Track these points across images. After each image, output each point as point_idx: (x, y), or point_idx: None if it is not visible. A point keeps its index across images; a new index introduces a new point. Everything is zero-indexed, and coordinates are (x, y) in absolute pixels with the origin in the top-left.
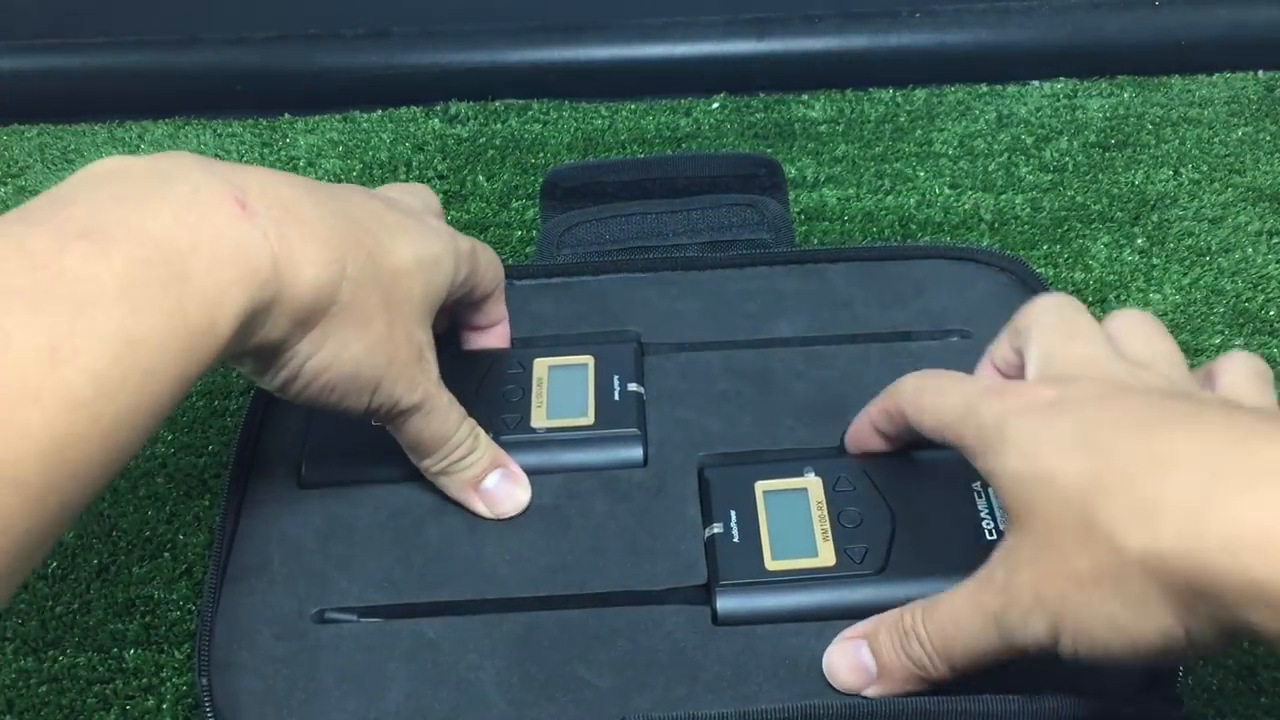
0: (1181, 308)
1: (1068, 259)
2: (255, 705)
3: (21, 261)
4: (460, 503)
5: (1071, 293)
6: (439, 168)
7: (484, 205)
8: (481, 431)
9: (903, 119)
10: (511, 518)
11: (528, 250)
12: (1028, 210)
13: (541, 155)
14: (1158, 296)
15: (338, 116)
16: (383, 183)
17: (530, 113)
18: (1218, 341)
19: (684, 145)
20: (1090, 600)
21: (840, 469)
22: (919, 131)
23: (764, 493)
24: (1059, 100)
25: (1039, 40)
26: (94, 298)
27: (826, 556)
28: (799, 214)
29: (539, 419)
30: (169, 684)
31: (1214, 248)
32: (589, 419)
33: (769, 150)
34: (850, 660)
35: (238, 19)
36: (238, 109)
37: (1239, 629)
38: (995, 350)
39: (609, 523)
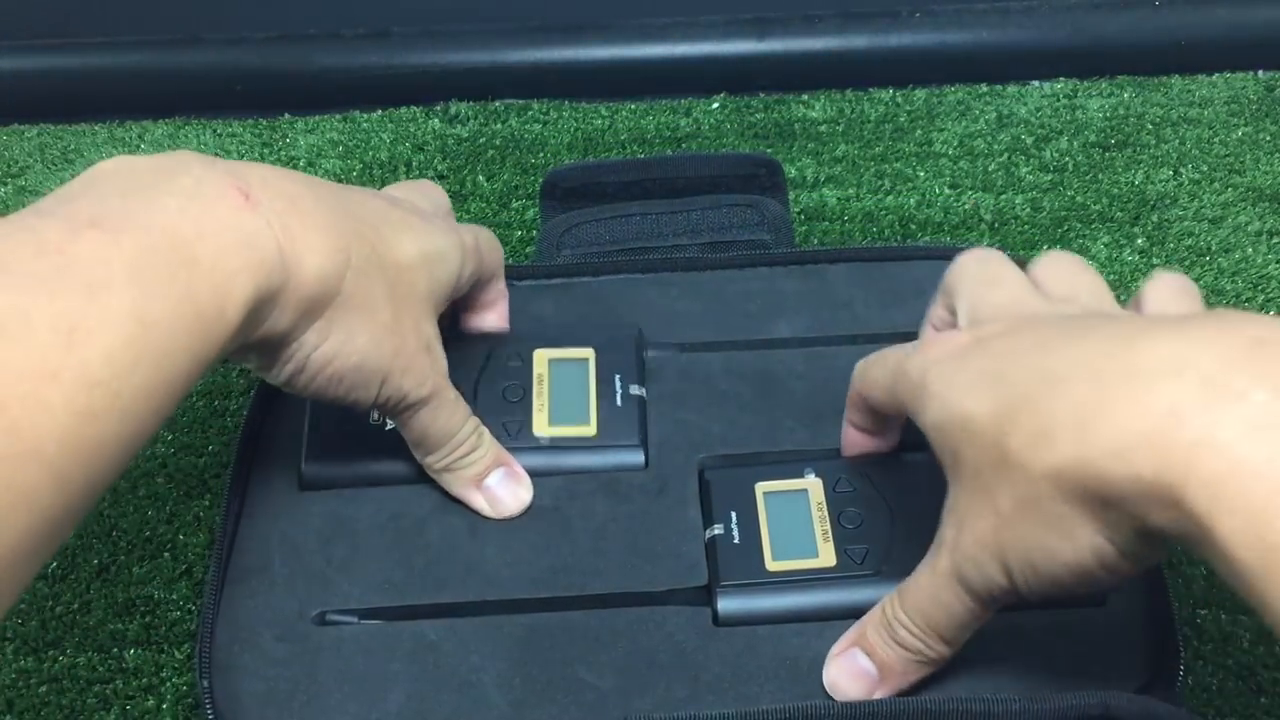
0: None
1: None
2: (256, 707)
3: (37, 249)
4: (462, 501)
5: None
6: (439, 168)
7: (484, 205)
8: (485, 429)
9: (903, 119)
10: (512, 519)
11: (528, 250)
12: (1028, 210)
13: (541, 155)
14: None
15: (338, 116)
16: (383, 183)
17: (530, 113)
18: None
19: (684, 145)
20: (1021, 532)
21: (840, 470)
22: (919, 131)
23: (764, 494)
24: (1059, 100)
25: (1039, 40)
26: (107, 281)
27: (827, 557)
28: (799, 214)
29: (541, 425)
30: (169, 684)
31: (1214, 248)
32: (592, 429)
33: (769, 150)
34: (849, 671)
35: (238, 19)
36: (238, 109)
37: (1154, 532)
38: (931, 312)
39: (610, 524)
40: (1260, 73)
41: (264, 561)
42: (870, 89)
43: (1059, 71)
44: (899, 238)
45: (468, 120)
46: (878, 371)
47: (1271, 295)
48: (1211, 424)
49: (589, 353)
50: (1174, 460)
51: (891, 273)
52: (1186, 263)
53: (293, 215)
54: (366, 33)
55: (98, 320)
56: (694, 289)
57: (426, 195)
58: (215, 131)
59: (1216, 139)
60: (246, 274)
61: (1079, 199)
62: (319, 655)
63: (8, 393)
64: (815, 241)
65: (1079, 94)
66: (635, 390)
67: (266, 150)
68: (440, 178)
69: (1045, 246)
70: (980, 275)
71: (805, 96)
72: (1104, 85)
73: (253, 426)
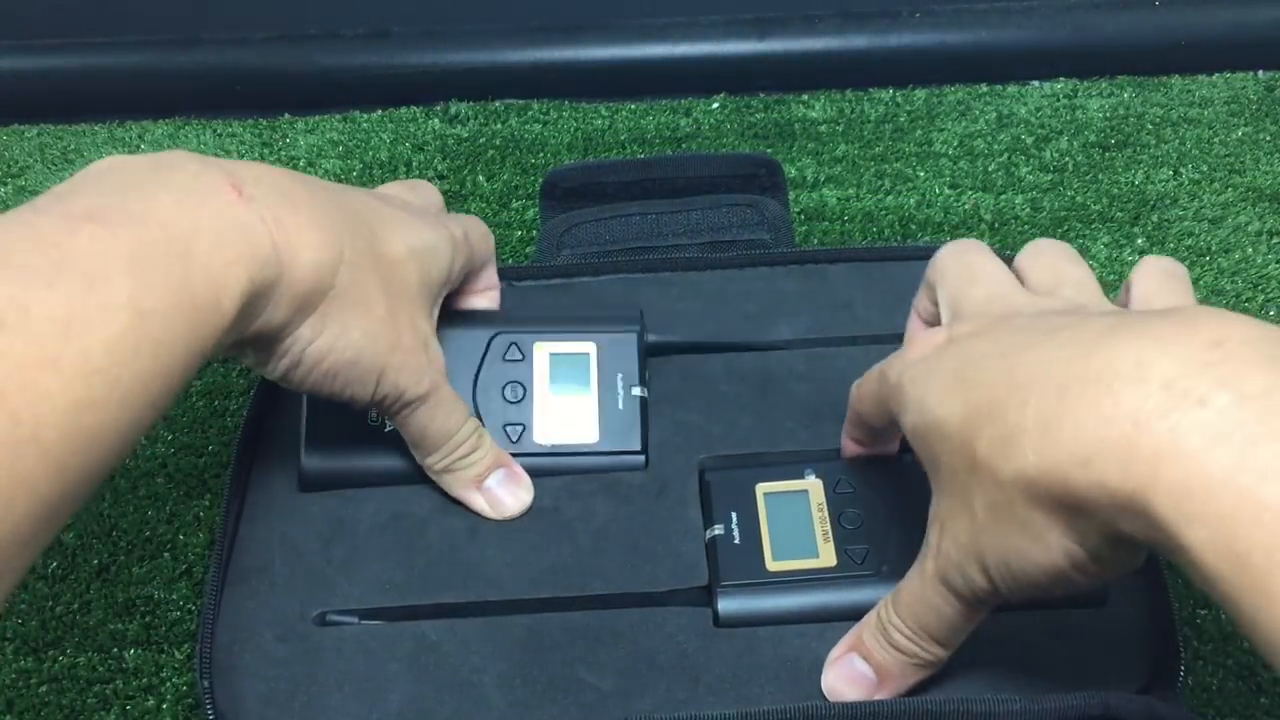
0: None
1: None
2: (257, 707)
3: (35, 242)
4: (462, 502)
5: None
6: (439, 168)
7: (484, 205)
8: (485, 430)
9: (903, 119)
10: (513, 520)
11: (528, 250)
12: (1028, 210)
13: (541, 155)
14: None
15: (338, 116)
16: (383, 183)
17: (530, 113)
18: None
19: (684, 145)
20: (995, 536)
21: (841, 471)
22: (919, 131)
23: (764, 494)
24: (1059, 100)
25: (1039, 40)
26: (104, 273)
27: (827, 557)
28: (798, 214)
29: (542, 432)
30: (169, 684)
31: (1214, 248)
32: (594, 436)
33: (769, 150)
34: (846, 675)
35: (238, 19)
36: (238, 109)
37: (1123, 539)
38: (916, 303)
39: (610, 525)
40: (1260, 73)
41: (264, 562)
42: (870, 89)
43: (1059, 71)
44: (899, 238)
45: (468, 120)
46: (866, 383)
47: (1271, 295)
48: (1174, 431)
49: (590, 347)
50: (1138, 469)
51: (892, 273)
52: (1186, 263)
53: (286, 210)
54: (366, 33)
55: (96, 310)
56: (694, 289)
57: (417, 192)
58: (215, 131)
59: (1216, 139)
60: (241, 266)
61: (1079, 199)
62: (319, 656)
63: (7, 381)
64: (815, 241)
65: (1079, 94)
66: (637, 391)
67: (266, 150)
68: (440, 178)
69: None
70: (960, 270)
71: (805, 96)
72: (1104, 85)
73: (253, 426)
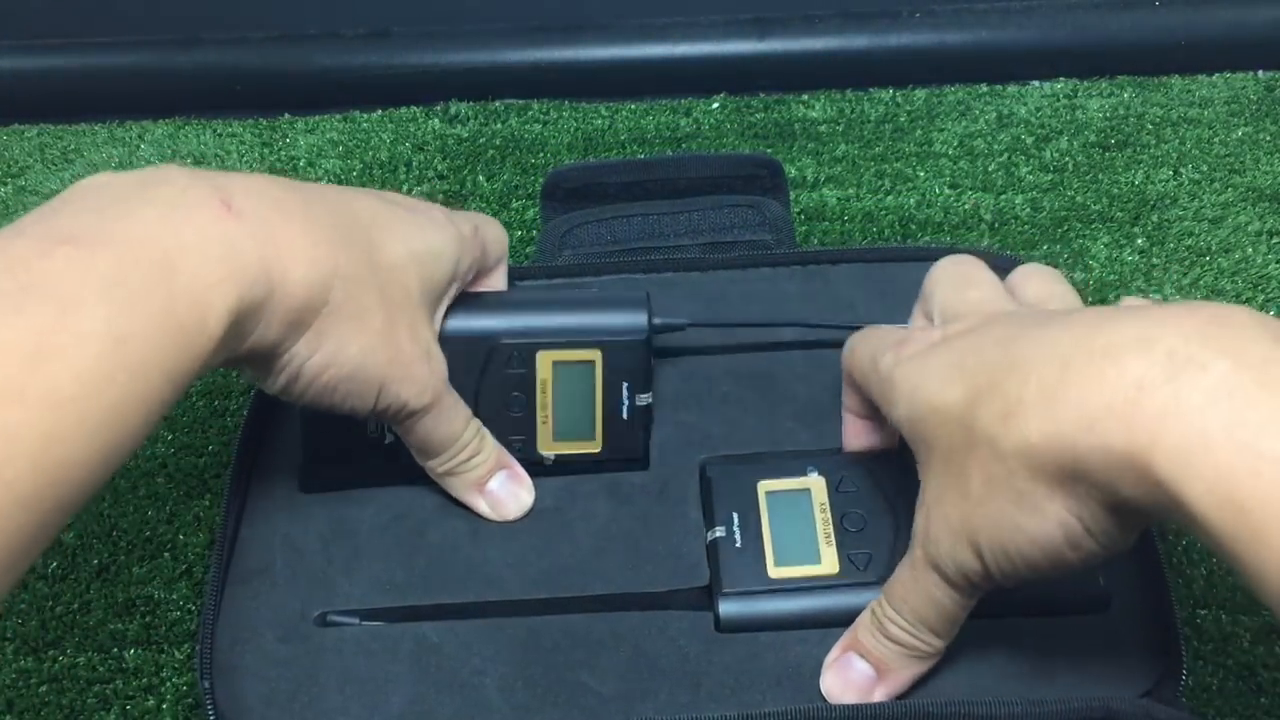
0: None
1: (1068, 259)
2: (258, 708)
3: (6, 267)
4: (465, 503)
5: None
6: (439, 168)
7: (484, 205)
8: (487, 432)
9: (903, 119)
10: (514, 521)
11: (528, 251)
12: (1028, 210)
13: (541, 155)
14: (1158, 296)
15: (338, 116)
16: (383, 183)
17: (530, 113)
18: None
19: (684, 145)
20: (990, 511)
21: (844, 469)
22: (919, 131)
23: (766, 494)
24: (1059, 100)
25: (1039, 40)
26: (78, 298)
27: (830, 563)
28: (799, 214)
29: (545, 442)
30: (169, 684)
31: (1214, 248)
32: (597, 445)
33: (769, 150)
34: (844, 676)
35: (238, 19)
36: (238, 109)
37: (1121, 507)
38: (913, 319)
39: (611, 525)
40: (1260, 73)
41: (266, 562)
42: (870, 89)
43: (1059, 71)
44: (899, 238)
45: (468, 120)
46: (859, 352)
47: (1271, 295)
48: (1176, 394)
49: (595, 355)
50: (1141, 430)
51: (893, 274)
52: (1186, 263)
53: (278, 225)
54: (366, 33)
55: (67, 337)
56: (695, 290)
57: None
58: (215, 131)
59: (1216, 139)
60: (228, 285)
61: (1079, 199)
62: (320, 656)
63: None
64: (815, 241)
65: (1079, 94)
66: (642, 399)
67: (266, 150)
68: (440, 178)
69: (1045, 246)
70: (954, 278)
71: (805, 96)
72: (1104, 85)
73: (253, 427)
